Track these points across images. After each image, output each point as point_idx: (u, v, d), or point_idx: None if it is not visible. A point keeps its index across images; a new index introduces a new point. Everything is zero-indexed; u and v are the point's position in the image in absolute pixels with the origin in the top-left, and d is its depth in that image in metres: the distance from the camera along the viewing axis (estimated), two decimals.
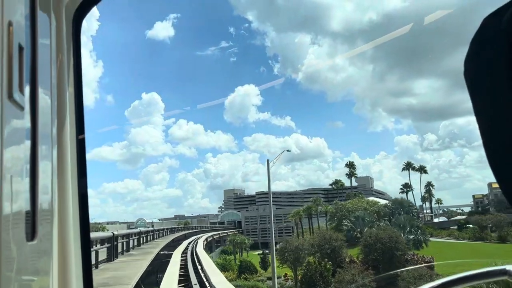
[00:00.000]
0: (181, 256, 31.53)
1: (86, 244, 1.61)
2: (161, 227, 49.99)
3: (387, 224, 54.99)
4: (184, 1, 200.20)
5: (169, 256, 30.67)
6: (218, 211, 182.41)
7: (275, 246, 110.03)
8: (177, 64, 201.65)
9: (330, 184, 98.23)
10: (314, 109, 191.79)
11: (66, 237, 1.44)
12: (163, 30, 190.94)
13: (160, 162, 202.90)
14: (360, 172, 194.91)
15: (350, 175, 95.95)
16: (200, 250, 38.06)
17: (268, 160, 40.19)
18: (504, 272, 1.61)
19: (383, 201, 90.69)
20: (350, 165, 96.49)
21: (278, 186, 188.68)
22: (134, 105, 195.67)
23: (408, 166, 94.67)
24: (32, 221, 1.11)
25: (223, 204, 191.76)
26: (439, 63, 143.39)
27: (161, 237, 44.16)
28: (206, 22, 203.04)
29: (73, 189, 1.52)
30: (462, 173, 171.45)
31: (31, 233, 1.11)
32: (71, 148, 1.53)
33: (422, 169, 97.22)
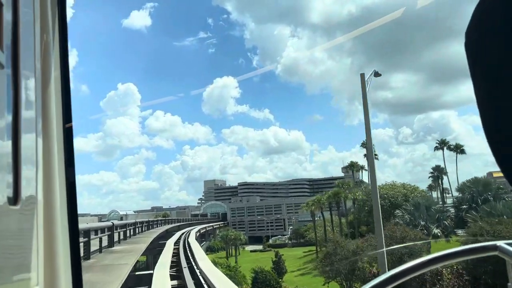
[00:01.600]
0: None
1: (75, 234, 1.52)
2: (136, 220, 35.05)
3: (473, 214, 38.94)
4: None
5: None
6: (198, 203, 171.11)
7: (270, 241, 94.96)
8: (154, 54, 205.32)
9: (344, 167, 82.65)
10: (293, 102, 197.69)
11: (53, 227, 1.35)
12: (139, 19, 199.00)
13: (136, 154, 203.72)
14: (337, 165, 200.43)
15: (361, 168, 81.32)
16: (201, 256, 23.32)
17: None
18: (494, 248, 1.63)
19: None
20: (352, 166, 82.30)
21: (255, 179, 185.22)
22: (109, 96, 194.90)
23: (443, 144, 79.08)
24: (13, 200, 1.01)
25: (203, 196, 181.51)
26: (416, 57, 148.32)
27: (138, 233, 29.63)
28: (184, 12, 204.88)
29: (60, 178, 1.43)
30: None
31: (14, 223, 1.02)
32: (58, 136, 1.42)
33: (458, 148, 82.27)
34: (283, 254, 58.25)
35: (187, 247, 29.08)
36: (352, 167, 79.88)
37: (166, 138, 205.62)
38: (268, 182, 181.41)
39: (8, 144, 0.98)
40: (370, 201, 57.31)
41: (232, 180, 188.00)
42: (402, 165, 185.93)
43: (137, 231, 30.66)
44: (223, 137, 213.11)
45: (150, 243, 26.06)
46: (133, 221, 29.99)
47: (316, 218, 73.97)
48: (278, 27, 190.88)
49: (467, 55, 0.68)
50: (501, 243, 1.62)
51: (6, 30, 0.94)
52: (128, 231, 26.14)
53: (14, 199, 1.01)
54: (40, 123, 1.27)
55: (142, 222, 35.06)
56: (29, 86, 1.14)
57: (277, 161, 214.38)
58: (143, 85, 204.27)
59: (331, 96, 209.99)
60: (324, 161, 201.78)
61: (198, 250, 26.85)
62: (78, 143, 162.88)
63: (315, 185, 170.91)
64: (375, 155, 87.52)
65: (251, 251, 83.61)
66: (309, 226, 75.90)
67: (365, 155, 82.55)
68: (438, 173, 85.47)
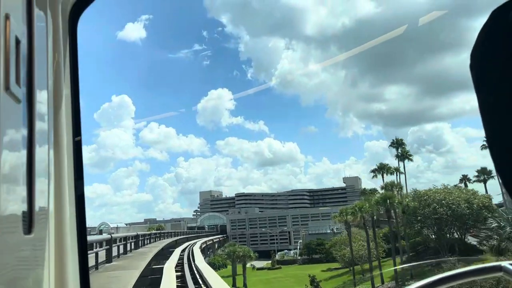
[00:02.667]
0: None
1: (83, 245, 1.57)
2: (124, 234, 24.77)
3: None
4: (156, 2, 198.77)
5: None
6: (194, 215, 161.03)
7: (277, 256, 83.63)
8: (149, 66, 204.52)
9: (372, 171, 71.99)
10: (288, 114, 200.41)
11: (63, 238, 1.39)
12: (134, 31, 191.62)
13: (130, 166, 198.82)
14: (331, 176, 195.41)
15: (403, 156, 69.69)
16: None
17: None
18: (499, 269, 1.60)
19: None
20: (398, 144, 70.91)
21: (250, 191, 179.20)
22: (103, 108, 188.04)
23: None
24: (28, 222, 1.06)
25: (198, 207, 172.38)
26: (409, 69, 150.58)
27: (127, 253, 19.12)
28: (179, 24, 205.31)
29: (70, 190, 1.48)
30: (430, 178, 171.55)
31: (28, 232, 1.06)
32: (68, 149, 1.49)
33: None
34: (316, 277, 47.05)
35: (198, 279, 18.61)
36: (382, 170, 68.78)
37: (160, 150, 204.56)
38: (267, 193, 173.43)
39: (23, 156, 1.03)
40: (422, 208, 46.58)
41: (226, 192, 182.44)
42: (395, 177, 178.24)
43: (119, 251, 20.28)
44: (218, 149, 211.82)
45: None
46: (108, 236, 19.15)
47: (334, 230, 63.46)
48: (272, 39, 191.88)
49: (472, 76, 0.72)
50: (505, 263, 1.57)
51: (23, 64, 1.00)
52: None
53: (29, 219, 1.05)
54: (52, 138, 1.34)
55: (126, 238, 24.42)
56: (42, 107, 1.20)
57: (271, 173, 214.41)
58: (138, 97, 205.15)
59: (326, 108, 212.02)
60: (319, 173, 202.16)
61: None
62: None
63: (316, 196, 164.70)
64: (409, 155, 77.54)
65: (257, 268, 72.50)
66: (334, 240, 64.71)
67: (397, 156, 71.79)
68: (486, 175, 77.67)
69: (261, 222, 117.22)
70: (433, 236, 48.71)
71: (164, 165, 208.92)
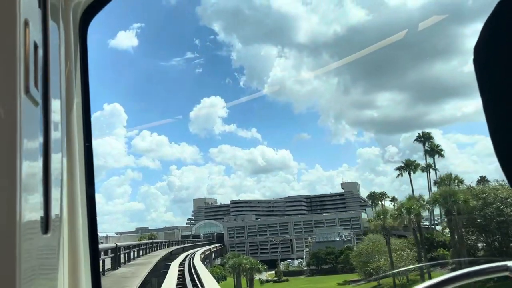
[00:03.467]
0: None
1: (95, 249, 1.63)
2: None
3: None
4: (148, 11, 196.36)
5: None
6: (187, 224, 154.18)
7: (282, 266, 74.48)
8: (141, 74, 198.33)
9: (397, 168, 64.22)
10: (280, 121, 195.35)
11: (76, 242, 1.44)
12: (126, 39, 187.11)
13: (122, 174, 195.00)
14: (324, 183, 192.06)
15: (433, 150, 60.88)
16: None
17: None
18: (505, 269, 1.59)
19: None
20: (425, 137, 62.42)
21: (243, 198, 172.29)
22: (95, 116, 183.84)
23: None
24: (45, 226, 1.08)
25: (192, 215, 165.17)
26: (401, 76, 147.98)
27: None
28: (171, 32, 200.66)
29: (82, 195, 1.53)
30: (422, 185, 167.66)
31: (44, 234, 1.08)
32: (79, 155, 1.54)
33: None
34: None
35: None
36: (409, 167, 60.70)
37: (152, 158, 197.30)
38: (263, 200, 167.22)
39: (40, 165, 1.06)
40: (481, 209, 37.09)
41: (220, 200, 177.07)
42: (389, 183, 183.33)
43: None
44: (211, 157, 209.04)
45: None
46: None
47: (344, 237, 55.01)
48: (264, 47, 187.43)
49: (475, 70, 0.69)
50: (511, 263, 1.56)
51: (40, 69, 1.04)
52: None
53: (46, 221, 1.08)
54: (65, 143, 1.39)
55: (106, 250, 16.65)
56: (56, 113, 1.23)
57: (264, 181, 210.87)
58: (130, 105, 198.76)
59: (318, 115, 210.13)
60: (312, 180, 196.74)
61: None
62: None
63: (313, 203, 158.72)
64: (440, 150, 69.54)
65: (262, 281, 64.24)
66: (358, 249, 55.73)
67: (426, 152, 63.57)
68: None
69: (260, 230, 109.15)
70: (495, 244, 39.67)
71: (156, 173, 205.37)
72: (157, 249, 42.01)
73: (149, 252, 35.29)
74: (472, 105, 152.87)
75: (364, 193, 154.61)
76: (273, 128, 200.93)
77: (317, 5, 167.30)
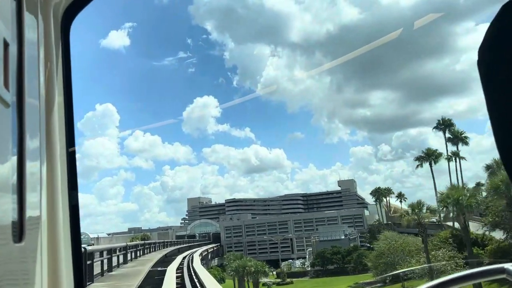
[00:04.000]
0: None
1: (78, 255, 1.56)
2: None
3: None
4: (140, 10, 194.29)
5: None
6: (181, 223, 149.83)
7: (284, 267, 68.84)
8: (133, 74, 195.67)
9: (417, 158, 59.39)
10: (274, 121, 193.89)
11: (56, 248, 1.38)
12: (118, 39, 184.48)
13: (115, 175, 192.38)
14: (317, 182, 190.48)
15: (456, 137, 55.30)
16: None
17: None
18: (502, 271, 1.58)
19: None
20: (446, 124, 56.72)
21: (238, 198, 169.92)
22: (87, 116, 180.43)
23: None
24: (19, 231, 1.03)
25: (186, 215, 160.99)
26: (393, 75, 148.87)
27: None
28: (163, 32, 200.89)
29: (63, 200, 1.46)
30: (415, 183, 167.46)
31: (18, 241, 1.03)
32: (61, 158, 1.46)
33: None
34: None
35: None
36: (431, 157, 55.15)
37: (145, 158, 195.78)
38: (259, 199, 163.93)
39: (14, 168, 1.00)
40: None
41: (213, 200, 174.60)
42: (382, 182, 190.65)
43: None
44: (204, 157, 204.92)
45: None
46: None
47: (349, 236, 49.82)
48: (257, 46, 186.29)
49: (479, 72, 0.69)
50: (508, 265, 1.53)
51: (12, 68, 0.98)
52: None
53: (20, 228, 1.03)
54: (45, 148, 1.31)
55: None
56: (33, 114, 1.17)
57: (258, 180, 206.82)
58: (122, 105, 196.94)
59: (311, 114, 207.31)
60: (306, 179, 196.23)
61: None
62: None
63: (310, 201, 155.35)
64: (465, 137, 63.97)
65: (263, 283, 59.38)
66: (380, 249, 48.49)
67: (450, 139, 57.73)
68: None
69: (259, 229, 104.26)
70: None
71: (149, 173, 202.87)
72: (150, 252, 37.14)
73: (141, 256, 30.42)
74: (464, 103, 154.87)
75: (358, 192, 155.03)
76: (267, 128, 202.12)
77: (310, 4, 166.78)
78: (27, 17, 1.11)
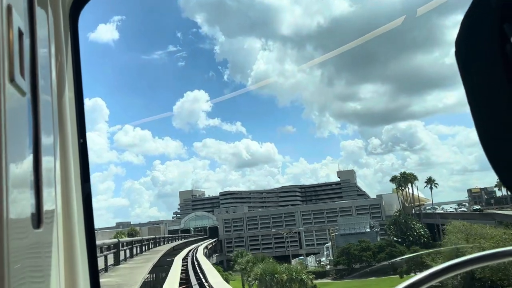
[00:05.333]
0: None
1: (92, 244, 1.59)
2: None
3: None
4: (129, 3, 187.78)
5: None
6: (173, 217, 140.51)
7: (296, 260, 56.84)
8: (122, 68, 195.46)
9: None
10: (265, 115, 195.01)
11: (72, 238, 1.40)
12: (107, 32, 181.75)
13: (105, 170, 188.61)
14: (308, 176, 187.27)
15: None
16: None
17: None
18: (511, 253, 1.61)
19: None
20: None
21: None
22: None
23: None
24: (37, 221, 1.04)
25: (178, 209, 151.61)
26: (383, 68, 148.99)
27: None
28: (153, 25, 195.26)
29: (77, 191, 1.48)
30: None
31: (36, 229, 1.03)
32: (73, 149, 1.49)
33: None
34: None
35: None
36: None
37: (135, 153, 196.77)
38: (255, 191, 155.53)
39: (30, 161, 1.00)
40: None
41: (206, 193, 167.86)
42: (372, 175, 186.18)
43: None
44: (195, 151, 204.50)
45: None
46: None
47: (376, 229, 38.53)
48: (248, 40, 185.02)
49: (457, 63, 0.69)
50: None
51: (26, 57, 0.98)
52: None
53: (38, 217, 1.03)
54: (58, 140, 1.34)
55: None
56: (47, 107, 1.18)
57: (249, 174, 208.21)
58: (112, 100, 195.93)
59: (302, 108, 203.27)
60: (296, 173, 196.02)
61: None
62: None
63: (308, 192, 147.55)
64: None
65: None
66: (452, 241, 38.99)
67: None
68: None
69: (262, 222, 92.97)
70: None
71: (140, 168, 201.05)
72: (138, 254, 25.39)
73: (121, 263, 18.74)
74: (454, 96, 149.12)
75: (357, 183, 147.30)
76: (258, 122, 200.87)
77: None
78: (38, 8, 1.11)
